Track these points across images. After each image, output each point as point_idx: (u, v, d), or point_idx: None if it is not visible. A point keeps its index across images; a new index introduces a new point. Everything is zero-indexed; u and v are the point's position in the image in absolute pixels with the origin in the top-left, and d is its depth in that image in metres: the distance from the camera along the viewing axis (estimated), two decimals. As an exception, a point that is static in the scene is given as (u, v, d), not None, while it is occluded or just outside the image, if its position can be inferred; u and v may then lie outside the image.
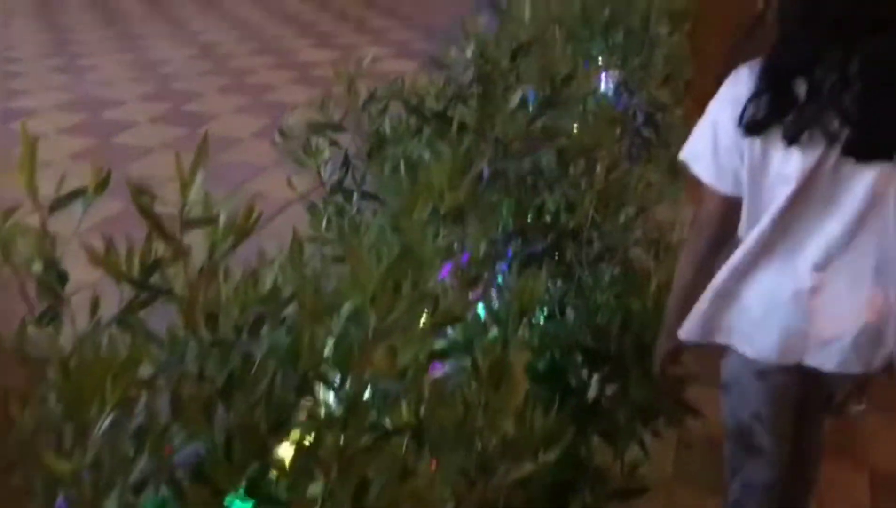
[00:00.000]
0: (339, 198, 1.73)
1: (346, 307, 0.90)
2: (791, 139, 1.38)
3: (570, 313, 1.68)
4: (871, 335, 1.48)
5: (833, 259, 1.47)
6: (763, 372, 1.58)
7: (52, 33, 7.17)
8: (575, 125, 1.98)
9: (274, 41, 7.07)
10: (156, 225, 0.85)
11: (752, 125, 1.40)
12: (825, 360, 1.51)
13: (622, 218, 1.73)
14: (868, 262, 1.45)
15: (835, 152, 1.38)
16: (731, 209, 1.50)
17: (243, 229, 0.88)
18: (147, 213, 0.85)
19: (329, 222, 1.68)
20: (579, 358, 1.61)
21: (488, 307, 1.44)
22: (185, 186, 0.83)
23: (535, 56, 1.82)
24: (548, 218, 1.84)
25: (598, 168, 1.78)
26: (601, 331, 1.59)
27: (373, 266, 0.96)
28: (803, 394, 1.65)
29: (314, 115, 1.72)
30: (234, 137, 4.80)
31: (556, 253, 1.83)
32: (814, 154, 1.39)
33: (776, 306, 1.50)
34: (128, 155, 4.56)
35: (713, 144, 1.48)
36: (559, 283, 1.76)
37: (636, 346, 1.56)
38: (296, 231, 1.17)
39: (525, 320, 1.40)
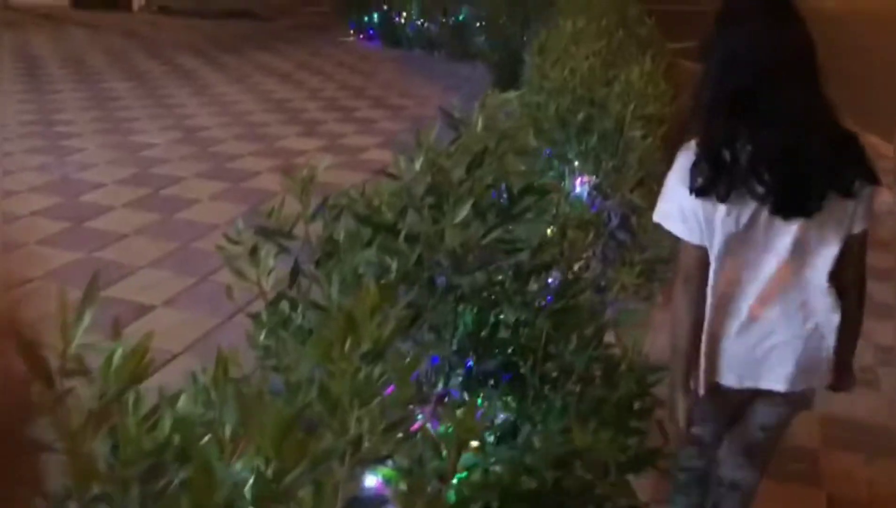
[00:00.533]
0: (285, 307, 1.67)
1: (240, 464, 0.81)
2: (722, 199, 1.71)
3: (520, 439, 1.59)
4: (809, 359, 1.84)
5: (768, 297, 1.80)
6: (722, 392, 1.93)
7: (37, 113, 7.21)
8: (546, 232, 1.93)
9: (260, 128, 7.12)
10: (38, 370, 0.78)
11: (698, 190, 1.72)
12: (775, 384, 1.87)
13: (576, 339, 1.66)
14: (798, 296, 1.80)
15: (765, 210, 1.72)
16: (705, 256, 1.81)
17: (133, 375, 0.81)
18: (29, 358, 0.77)
19: (271, 333, 1.61)
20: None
21: (428, 438, 1.35)
22: (65, 329, 0.76)
23: (494, 166, 1.79)
24: (505, 333, 1.77)
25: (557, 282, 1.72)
26: (549, 465, 1.50)
27: (281, 409, 0.88)
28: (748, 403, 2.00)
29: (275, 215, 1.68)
30: (210, 224, 4.76)
31: (513, 372, 1.75)
32: (747, 211, 1.73)
33: (729, 341, 1.85)
34: (101, 240, 4.50)
35: (678, 205, 1.78)
36: (512, 404, 1.68)
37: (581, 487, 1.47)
38: (220, 351, 1.10)
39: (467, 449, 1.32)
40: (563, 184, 3.54)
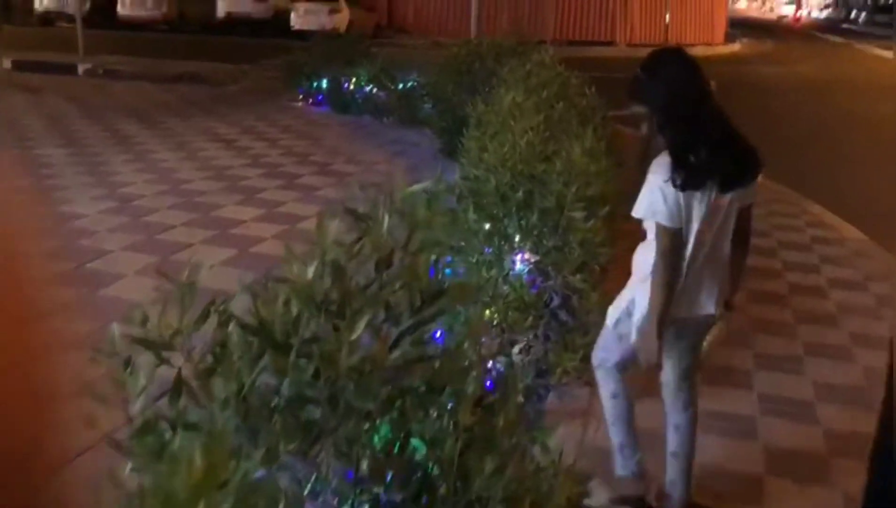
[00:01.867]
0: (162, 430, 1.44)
1: None
2: (698, 188, 2.42)
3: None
4: (722, 288, 2.65)
5: (708, 250, 2.55)
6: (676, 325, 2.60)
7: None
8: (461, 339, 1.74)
9: (197, 196, 6.88)
10: None
11: (682, 184, 2.38)
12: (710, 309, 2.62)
13: (489, 465, 1.46)
14: (723, 245, 2.59)
15: (716, 190, 2.45)
16: (680, 239, 2.45)
17: None
18: None
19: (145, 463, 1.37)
20: None
21: None
22: None
23: (406, 268, 1.60)
24: (419, 455, 1.56)
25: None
26: None
27: None
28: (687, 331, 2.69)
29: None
30: (132, 302, 4.48)
31: (429, 496, 1.54)
32: (708, 194, 2.44)
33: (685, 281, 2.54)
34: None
35: (663, 198, 2.40)
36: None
37: None
38: None
39: None
40: (503, 262, 3.38)
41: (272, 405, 1.46)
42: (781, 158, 8.71)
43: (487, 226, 3.30)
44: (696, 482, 2.84)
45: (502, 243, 3.37)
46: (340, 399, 1.48)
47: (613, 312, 2.73)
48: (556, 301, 3.48)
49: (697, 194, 2.41)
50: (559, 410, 3.46)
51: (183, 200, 6.72)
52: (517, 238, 3.39)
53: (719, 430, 3.39)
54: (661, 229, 2.42)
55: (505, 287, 3.26)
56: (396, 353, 1.52)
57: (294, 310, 1.49)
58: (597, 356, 2.83)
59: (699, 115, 2.42)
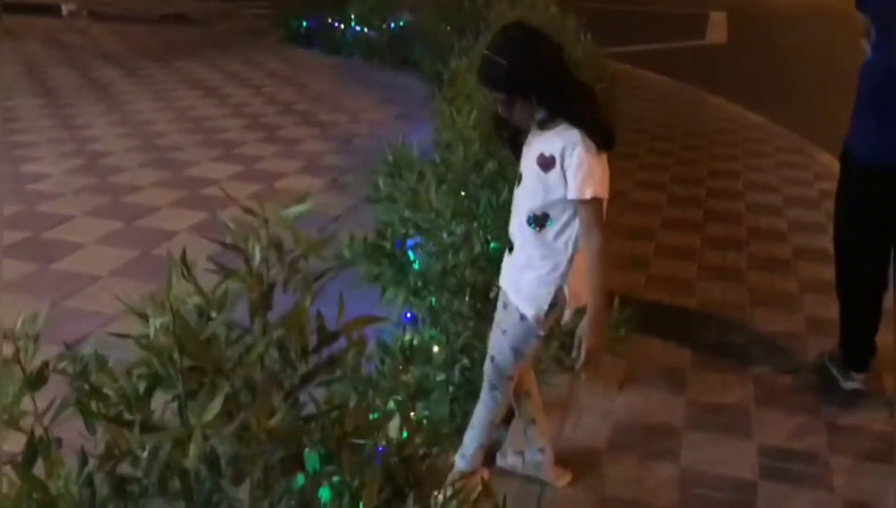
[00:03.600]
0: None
1: None
2: (612, 145, 2.28)
3: None
4: None
5: None
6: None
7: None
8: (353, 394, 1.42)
9: (170, 152, 6.53)
10: None
11: (605, 145, 2.24)
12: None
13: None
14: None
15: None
16: None
17: None
18: None
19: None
20: None
21: None
22: None
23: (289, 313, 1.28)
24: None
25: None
26: None
27: None
28: None
29: None
30: (92, 275, 4.20)
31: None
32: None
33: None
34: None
35: (603, 173, 2.23)
36: None
37: None
38: None
39: None
40: (472, 246, 3.04)
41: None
42: (792, 104, 8.27)
43: (452, 203, 2.96)
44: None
45: (473, 222, 3.03)
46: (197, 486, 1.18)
47: (530, 307, 2.38)
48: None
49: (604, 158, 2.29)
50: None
51: (155, 156, 6.37)
52: (489, 218, 3.05)
53: (715, 426, 3.10)
54: (600, 203, 2.25)
55: (474, 274, 2.93)
56: (276, 418, 1.22)
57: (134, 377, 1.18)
58: (509, 363, 2.49)
59: (570, 76, 2.29)
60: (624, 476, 2.78)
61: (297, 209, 1.23)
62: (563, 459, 2.80)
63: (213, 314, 1.24)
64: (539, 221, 2.31)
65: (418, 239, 3.24)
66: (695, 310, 4.03)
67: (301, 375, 1.27)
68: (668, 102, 8.46)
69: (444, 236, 3.04)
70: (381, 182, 3.21)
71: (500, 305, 2.50)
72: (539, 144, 2.28)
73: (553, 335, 3.13)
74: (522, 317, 2.39)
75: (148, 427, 1.16)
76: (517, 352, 2.45)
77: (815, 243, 4.77)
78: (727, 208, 5.42)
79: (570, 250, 2.31)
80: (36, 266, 4.37)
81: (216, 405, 1.10)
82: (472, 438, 2.61)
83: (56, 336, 1.28)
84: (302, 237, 1.27)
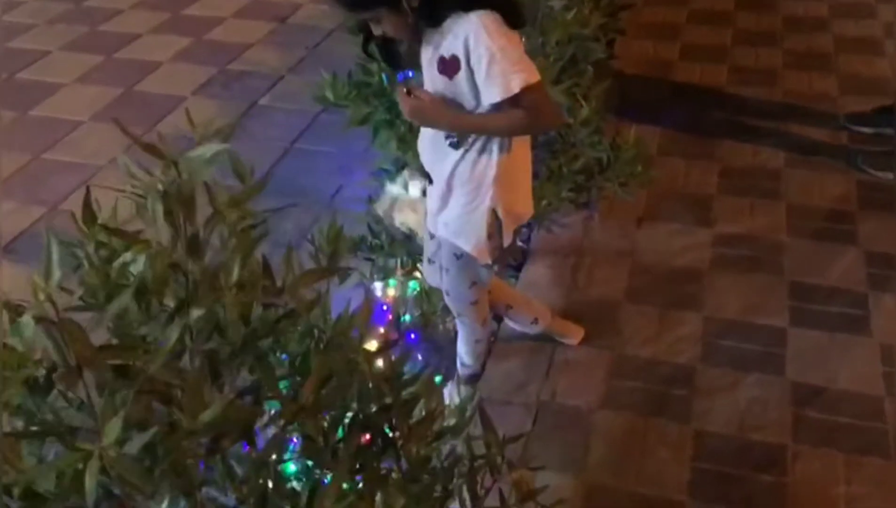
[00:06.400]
0: None
1: None
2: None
3: None
4: None
5: None
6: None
7: None
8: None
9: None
10: None
11: (522, 22, 1.87)
12: None
13: None
14: None
15: None
16: None
17: None
18: None
19: None
20: None
21: None
22: None
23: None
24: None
25: None
26: None
27: None
28: None
29: None
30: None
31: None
32: None
33: None
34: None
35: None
36: None
37: None
38: None
39: None
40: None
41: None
42: None
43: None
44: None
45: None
46: None
47: (465, 242, 2.05)
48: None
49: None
50: (544, 248, 2.95)
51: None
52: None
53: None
54: (538, 89, 1.80)
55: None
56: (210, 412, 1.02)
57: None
58: (464, 295, 2.22)
59: None
60: (642, 330, 2.60)
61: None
62: (576, 313, 2.62)
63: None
64: (460, 139, 1.92)
65: (409, 73, 2.89)
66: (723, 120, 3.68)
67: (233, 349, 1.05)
68: None
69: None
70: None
71: (426, 236, 2.24)
72: (434, 46, 1.85)
73: (563, 176, 2.85)
74: (458, 255, 2.09)
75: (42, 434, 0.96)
76: (469, 283, 2.16)
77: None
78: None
79: (494, 163, 1.93)
80: (14, 114, 4.09)
81: (116, 426, 0.88)
82: (466, 352, 2.42)
83: (39, 195, 1.04)
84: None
